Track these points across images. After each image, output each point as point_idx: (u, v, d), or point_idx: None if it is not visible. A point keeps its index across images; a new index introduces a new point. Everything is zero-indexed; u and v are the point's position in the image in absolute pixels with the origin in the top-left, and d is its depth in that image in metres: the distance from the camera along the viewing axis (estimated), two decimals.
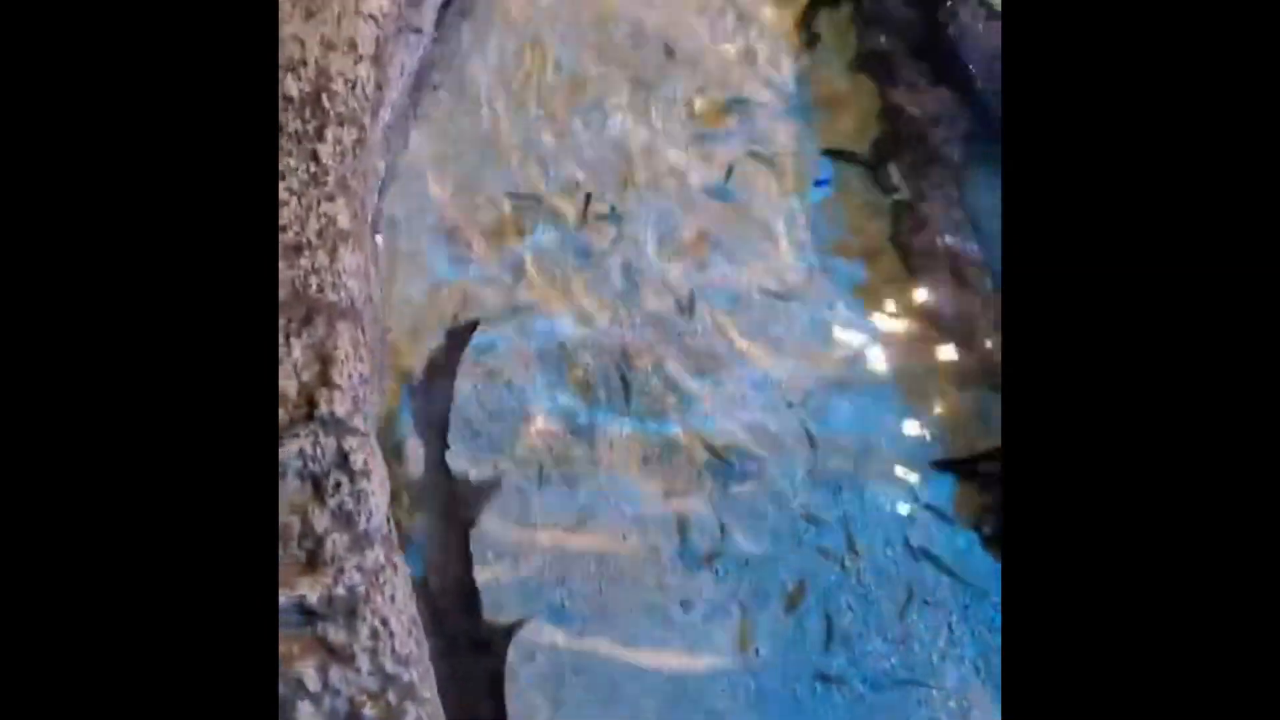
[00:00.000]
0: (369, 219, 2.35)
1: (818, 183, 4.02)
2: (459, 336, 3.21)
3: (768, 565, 3.22)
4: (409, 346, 3.27)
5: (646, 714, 2.96)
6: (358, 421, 1.86)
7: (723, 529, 3.25)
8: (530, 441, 3.25)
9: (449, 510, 2.90)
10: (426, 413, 3.10)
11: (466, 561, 2.81)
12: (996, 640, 3.26)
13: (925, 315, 3.80)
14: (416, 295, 3.35)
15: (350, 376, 1.93)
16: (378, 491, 1.79)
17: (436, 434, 3.06)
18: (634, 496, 3.26)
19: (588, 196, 3.67)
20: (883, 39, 4.38)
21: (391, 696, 1.60)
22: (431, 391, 3.17)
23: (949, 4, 4.46)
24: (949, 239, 3.92)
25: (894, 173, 4.04)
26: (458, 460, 3.02)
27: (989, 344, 3.77)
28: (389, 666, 1.62)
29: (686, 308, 3.57)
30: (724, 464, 3.35)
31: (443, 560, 2.81)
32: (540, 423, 3.30)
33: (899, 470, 3.48)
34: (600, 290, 3.56)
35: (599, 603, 3.06)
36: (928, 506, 3.41)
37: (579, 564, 3.10)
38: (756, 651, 3.11)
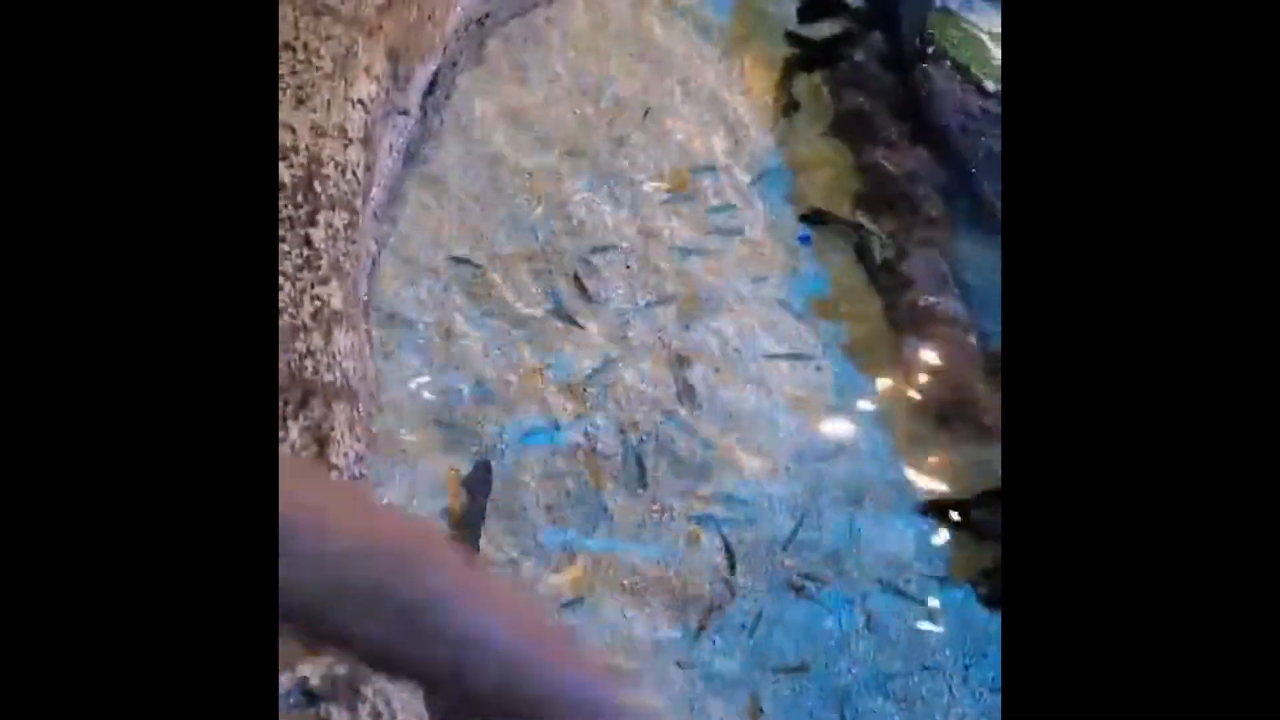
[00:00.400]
0: (361, 300, 2.41)
1: (801, 238, 4.10)
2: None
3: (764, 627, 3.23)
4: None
5: None
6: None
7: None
8: None
9: None
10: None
11: None
12: (996, 700, 3.27)
13: (911, 373, 3.87)
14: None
15: (346, 455, 1.97)
16: None
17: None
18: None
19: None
20: (860, 100, 4.51)
21: None
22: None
23: (923, 66, 4.62)
24: (932, 298, 4.01)
25: (875, 234, 4.13)
26: None
27: (977, 399, 3.83)
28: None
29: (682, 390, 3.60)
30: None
31: None
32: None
33: (893, 524, 3.52)
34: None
35: None
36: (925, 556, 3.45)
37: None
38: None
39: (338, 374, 2.11)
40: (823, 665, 3.20)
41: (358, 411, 2.08)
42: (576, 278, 3.66)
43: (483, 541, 3.13)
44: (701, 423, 3.53)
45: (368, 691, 1.68)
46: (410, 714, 1.71)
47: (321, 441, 1.96)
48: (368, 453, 2.06)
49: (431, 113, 3.43)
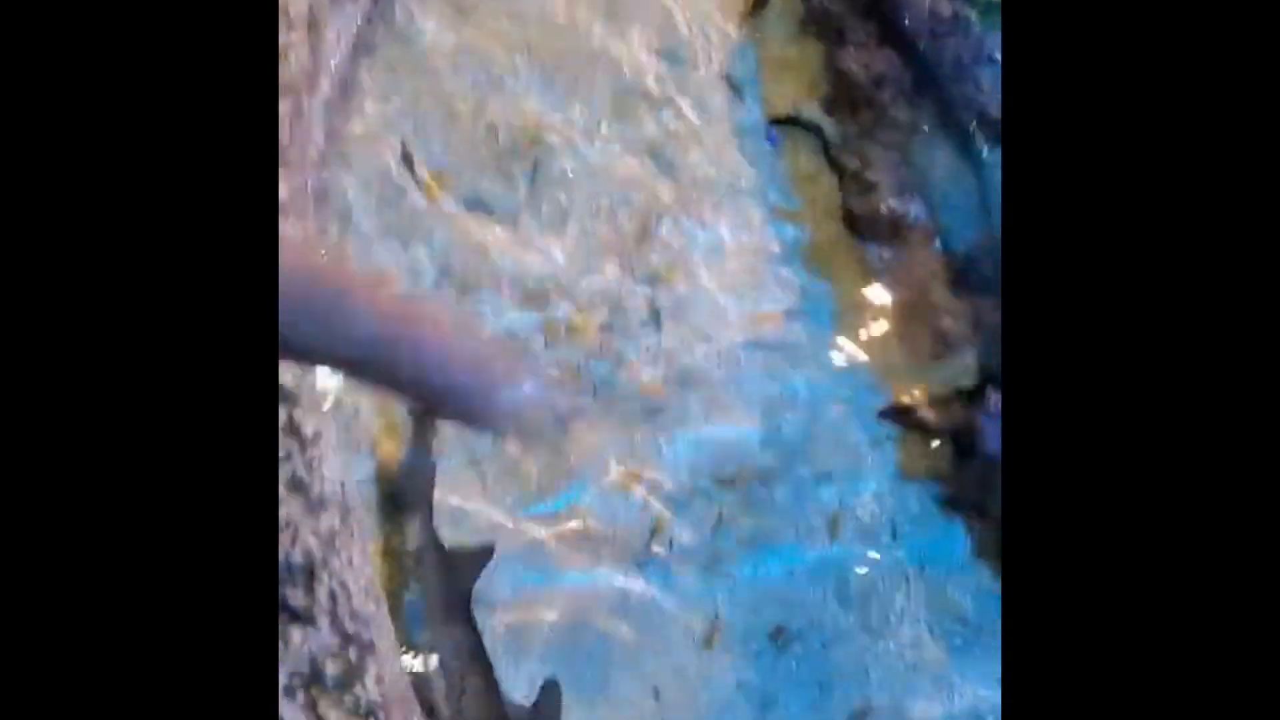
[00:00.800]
0: (309, 192, 2.35)
1: (769, 138, 4.04)
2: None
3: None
4: None
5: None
6: (306, 391, 1.88)
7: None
8: None
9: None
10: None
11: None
12: (948, 599, 3.36)
13: (871, 278, 3.87)
14: None
15: None
16: (329, 458, 1.82)
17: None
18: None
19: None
20: (829, 1, 4.40)
21: (352, 654, 1.64)
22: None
23: None
24: (894, 202, 3.99)
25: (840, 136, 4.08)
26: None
27: (936, 304, 3.85)
28: (348, 625, 1.66)
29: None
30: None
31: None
32: None
33: (848, 426, 3.57)
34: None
35: None
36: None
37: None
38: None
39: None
40: (779, 562, 3.28)
41: None
42: (533, 174, 3.60)
43: None
44: (662, 329, 3.53)
45: (324, 575, 1.69)
46: (367, 598, 1.74)
47: None
48: None
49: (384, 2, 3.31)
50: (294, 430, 1.81)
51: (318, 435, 1.82)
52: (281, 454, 1.76)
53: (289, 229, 2.07)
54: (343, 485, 1.83)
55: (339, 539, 1.74)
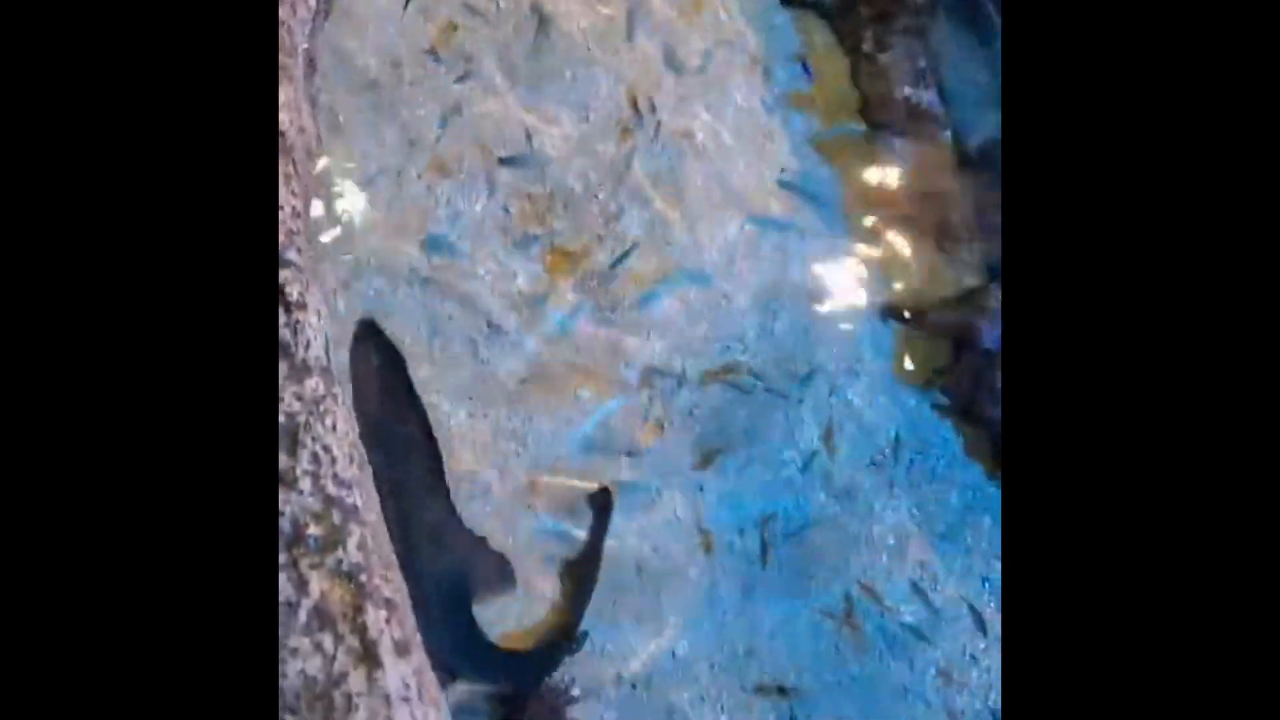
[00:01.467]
0: (299, 52, 2.27)
1: (803, 66, 3.89)
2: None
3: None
4: None
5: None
6: (292, 254, 1.84)
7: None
8: None
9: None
10: None
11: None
12: (935, 494, 3.37)
13: (881, 166, 3.78)
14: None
15: (285, 209, 1.90)
16: (315, 324, 1.79)
17: None
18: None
19: None
20: None
21: (335, 517, 1.64)
22: None
23: None
24: (908, 90, 3.86)
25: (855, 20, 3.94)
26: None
27: (944, 196, 3.77)
28: (331, 489, 1.66)
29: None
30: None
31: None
32: None
33: (846, 324, 3.53)
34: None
35: None
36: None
37: None
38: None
39: (284, 120, 2.01)
40: (771, 456, 3.29)
41: (294, 166, 2.00)
42: (534, 46, 3.49)
43: None
44: (660, 200, 3.46)
45: (307, 439, 1.69)
46: (351, 463, 1.73)
47: None
48: (304, 209, 1.99)
49: None
50: (280, 293, 1.78)
51: (302, 299, 1.79)
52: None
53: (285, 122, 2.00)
54: (327, 350, 1.81)
55: (323, 404, 1.73)
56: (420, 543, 2.71)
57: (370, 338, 2.90)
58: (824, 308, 3.54)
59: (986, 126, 3.86)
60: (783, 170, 3.65)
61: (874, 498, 3.31)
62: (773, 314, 3.46)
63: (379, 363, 2.87)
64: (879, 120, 3.86)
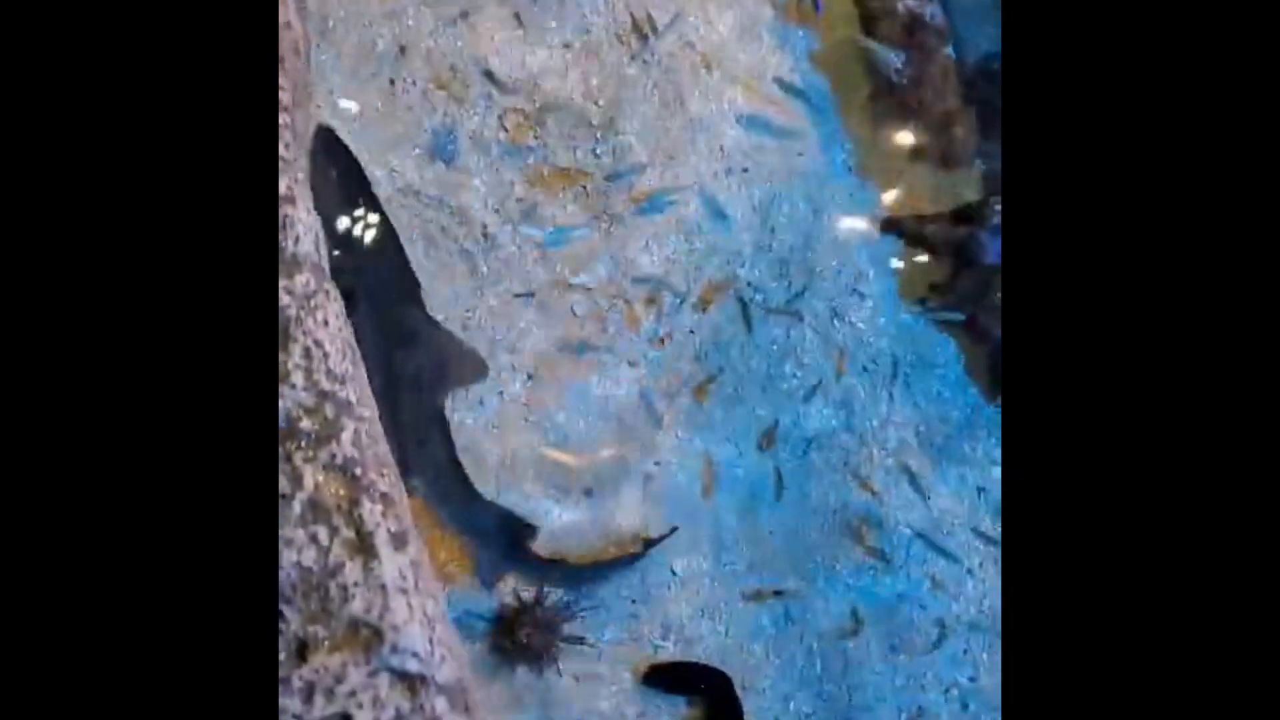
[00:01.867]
0: None
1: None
2: None
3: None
4: None
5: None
6: (280, 148, 1.80)
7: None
8: None
9: None
10: None
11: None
12: (934, 410, 3.37)
13: (881, 80, 3.70)
14: None
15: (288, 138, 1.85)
16: (304, 219, 1.75)
17: None
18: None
19: None
20: None
21: (328, 411, 1.62)
22: None
23: None
24: (911, 2, 3.77)
25: None
26: None
27: (948, 112, 3.71)
28: (324, 384, 1.64)
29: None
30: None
31: None
32: None
33: (845, 239, 3.49)
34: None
35: None
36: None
37: None
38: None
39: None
40: (763, 371, 3.27)
41: (283, 62, 1.94)
42: None
43: None
44: (657, 112, 3.40)
45: (298, 334, 1.66)
46: (344, 359, 1.71)
47: None
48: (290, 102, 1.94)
49: None
50: None
51: (291, 193, 1.75)
52: None
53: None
54: (317, 245, 1.77)
55: (314, 299, 1.70)
56: (394, 343, 2.75)
57: (329, 147, 2.82)
58: (823, 223, 3.50)
59: (988, 41, 3.78)
60: (779, 79, 3.58)
61: (873, 413, 3.32)
62: (771, 230, 3.42)
63: (338, 171, 2.80)
64: (880, 33, 3.77)
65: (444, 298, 3.05)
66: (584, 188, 3.27)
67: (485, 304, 3.08)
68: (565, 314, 3.17)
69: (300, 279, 1.71)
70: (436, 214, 3.10)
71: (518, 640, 2.69)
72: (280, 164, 1.79)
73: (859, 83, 3.71)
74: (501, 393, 3.03)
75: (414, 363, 2.81)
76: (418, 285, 2.89)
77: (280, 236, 1.71)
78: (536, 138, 3.25)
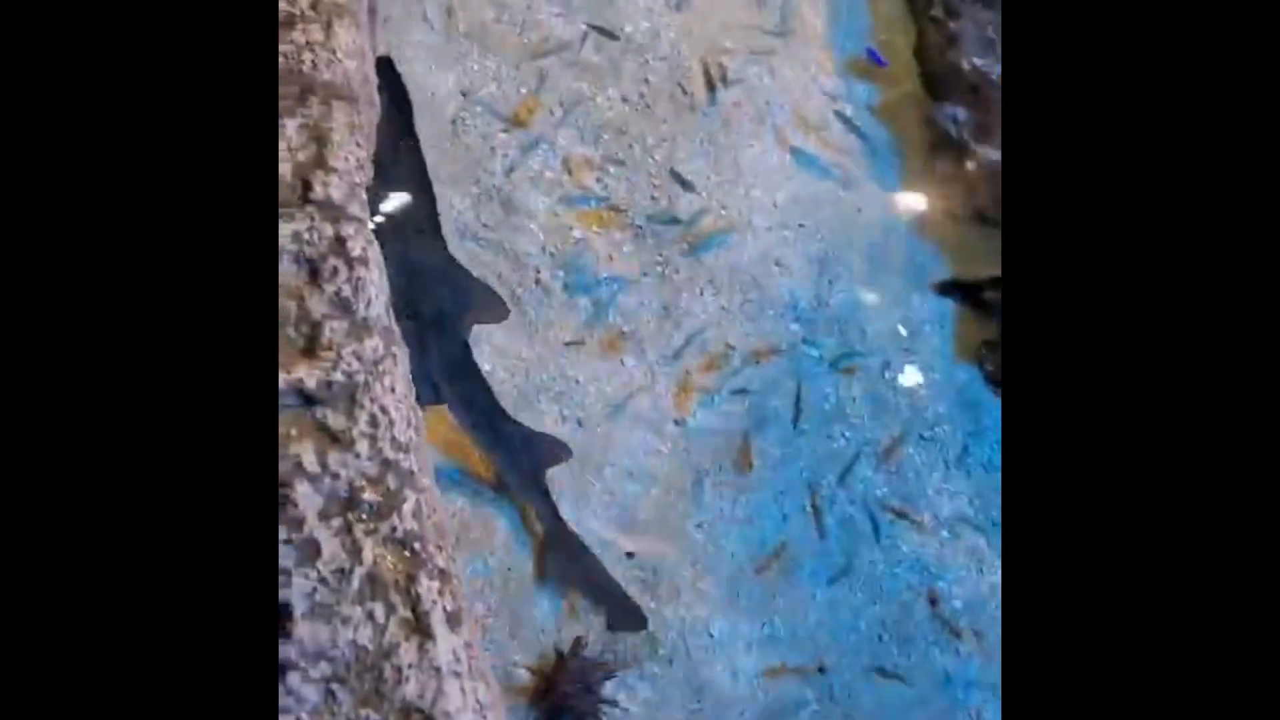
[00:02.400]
0: (364, 3, 2.19)
1: (871, 54, 3.76)
2: None
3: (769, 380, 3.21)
4: None
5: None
6: (355, 208, 1.77)
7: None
8: None
9: None
10: None
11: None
12: (994, 480, 3.29)
13: (938, 137, 3.66)
14: None
15: (347, 160, 1.83)
16: (376, 281, 1.73)
17: None
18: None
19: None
20: None
21: (390, 481, 1.59)
22: None
23: None
24: (977, 60, 3.72)
25: None
26: None
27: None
28: (388, 452, 1.60)
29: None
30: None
31: None
32: None
33: (902, 294, 3.44)
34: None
35: None
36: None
37: None
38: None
39: (339, 73, 1.94)
40: (814, 431, 3.21)
41: (358, 115, 1.93)
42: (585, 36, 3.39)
43: None
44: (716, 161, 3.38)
45: (365, 400, 1.63)
46: (409, 426, 1.68)
47: (320, 142, 1.82)
48: (368, 160, 1.92)
49: None
50: (340, 245, 1.72)
51: (364, 255, 1.72)
52: (326, 272, 1.67)
53: (342, 32, 1.93)
54: (387, 309, 1.75)
55: (382, 364, 1.67)
56: (418, 284, 2.71)
57: (385, 80, 2.73)
58: (879, 280, 3.45)
59: None
60: (840, 112, 3.55)
61: (925, 482, 3.24)
62: (828, 283, 3.38)
63: (387, 100, 2.78)
64: (942, 90, 3.74)
65: (496, 344, 3.02)
66: (639, 235, 3.25)
67: (535, 351, 3.05)
68: (616, 364, 3.13)
69: (370, 343, 1.68)
70: (494, 258, 3.08)
71: (558, 700, 2.64)
72: (354, 224, 1.76)
73: (919, 139, 3.68)
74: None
75: (437, 298, 2.79)
76: (438, 225, 2.88)
77: (352, 299, 1.69)
78: (598, 181, 3.24)
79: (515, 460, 2.84)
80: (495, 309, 2.88)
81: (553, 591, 2.82)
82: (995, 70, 3.66)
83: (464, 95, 3.20)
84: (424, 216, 2.86)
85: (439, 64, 3.22)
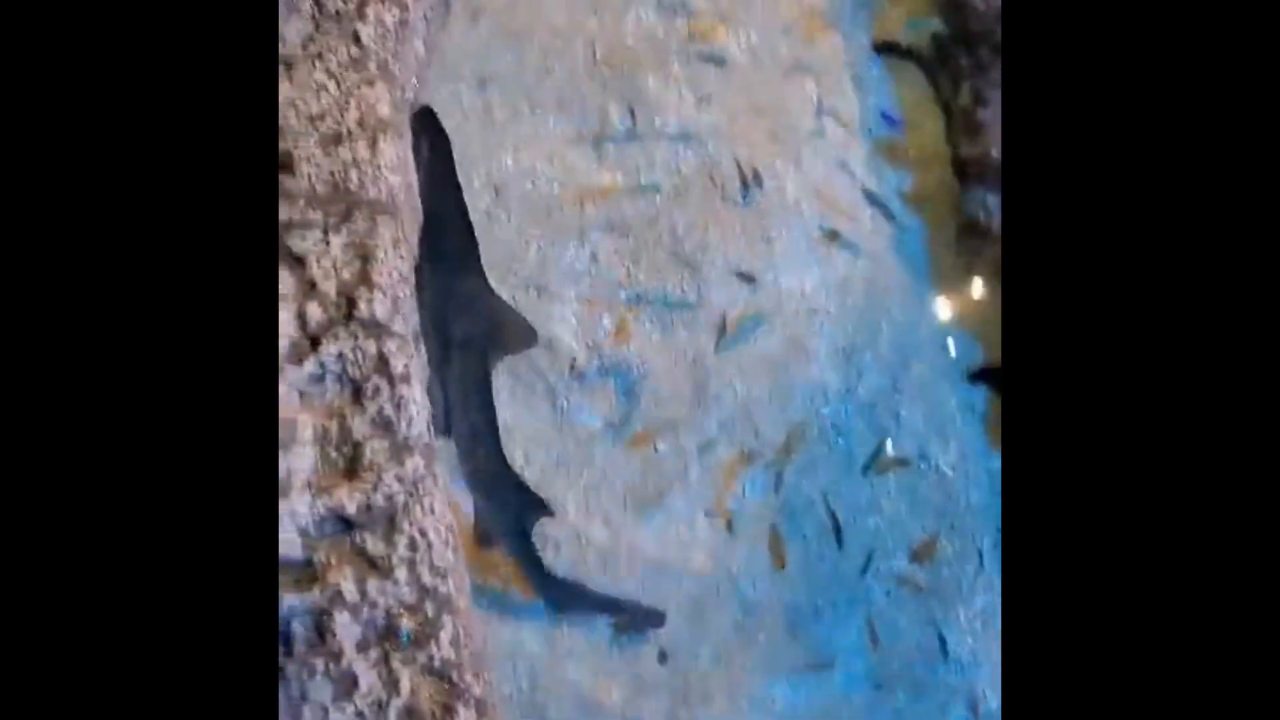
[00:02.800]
0: (408, 108, 2.23)
1: (884, 115, 3.80)
2: None
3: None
4: None
5: None
6: (398, 324, 1.79)
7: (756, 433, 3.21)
8: None
9: None
10: None
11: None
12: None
13: (968, 223, 3.66)
14: None
15: (391, 275, 1.85)
16: (418, 398, 1.74)
17: None
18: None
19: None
20: None
21: (429, 609, 1.58)
22: None
23: None
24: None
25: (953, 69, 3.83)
26: None
27: None
28: (426, 578, 1.60)
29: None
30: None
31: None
32: None
33: (934, 381, 3.42)
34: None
35: None
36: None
37: None
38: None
39: (383, 188, 1.97)
40: (847, 523, 3.18)
41: (402, 228, 1.96)
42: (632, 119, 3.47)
43: None
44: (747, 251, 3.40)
45: (404, 523, 1.63)
46: (447, 548, 1.68)
47: (365, 258, 1.84)
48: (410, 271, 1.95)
49: None
50: (383, 364, 1.73)
51: (407, 372, 1.73)
52: (369, 391, 1.69)
53: (387, 147, 1.97)
54: (429, 426, 1.75)
55: (423, 485, 1.67)
56: (453, 308, 2.66)
57: (426, 128, 2.76)
58: (910, 366, 3.44)
59: None
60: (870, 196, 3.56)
61: (960, 576, 3.20)
62: (858, 372, 3.37)
63: (429, 153, 2.72)
64: (973, 176, 3.74)
65: (525, 433, 3.02)
66: (670, 323, 3.26)
67: (564, 442, 3.06)
68: (648, 453, 3.12)
69: (411, 463, 1.69)
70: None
71: None
72: (397, 340, 1.78)
73: (950, 225, 3.68)
74: (579, 535, 2.98)
75: (468, 323, 2.75)
76: (479, 260, 2.86)
77: (395, 419, 1.70)
78: (628, 275, 3.26)
79: (504, 509, 2.82)
80: (524, 337, 2.90)
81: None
82: None
83: (496, 192, 3.26)
84: (466, 255, 2.83)
85: (471, 160, 3.27)
